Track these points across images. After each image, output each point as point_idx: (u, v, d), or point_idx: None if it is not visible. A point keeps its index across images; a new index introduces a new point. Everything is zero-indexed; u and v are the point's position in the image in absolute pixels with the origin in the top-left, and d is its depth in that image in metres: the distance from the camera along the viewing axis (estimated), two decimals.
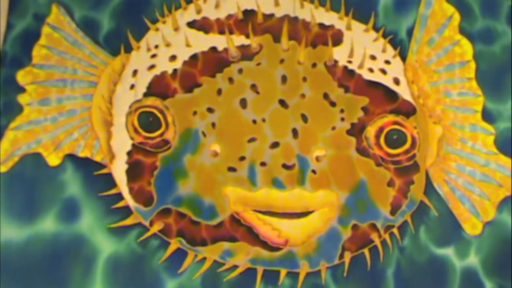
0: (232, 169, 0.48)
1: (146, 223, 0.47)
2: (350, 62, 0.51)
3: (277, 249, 0.47)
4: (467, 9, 0.55)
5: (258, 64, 0.50)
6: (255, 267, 0.47)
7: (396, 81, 0.51)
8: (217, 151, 0.48)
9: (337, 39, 0.52)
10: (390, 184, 0.49)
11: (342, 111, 0.50)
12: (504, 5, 0.55)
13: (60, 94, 0.50)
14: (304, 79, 0.50)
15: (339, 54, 0.51)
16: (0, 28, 0.52)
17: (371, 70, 0.51)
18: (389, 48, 0.53)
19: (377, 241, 0.48)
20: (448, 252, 0.49)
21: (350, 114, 0.50)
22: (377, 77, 0.51)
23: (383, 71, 0.51)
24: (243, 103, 0.49)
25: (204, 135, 0.49)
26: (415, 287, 0.48)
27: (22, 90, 0.50)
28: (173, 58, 0.50)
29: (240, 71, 0.50)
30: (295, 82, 0.50)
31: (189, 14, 0.52)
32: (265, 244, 0.47)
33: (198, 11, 0.52)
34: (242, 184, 0.47)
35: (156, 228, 0.47)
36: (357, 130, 0.49)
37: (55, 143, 0.49)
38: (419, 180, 0.50)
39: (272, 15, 0.52)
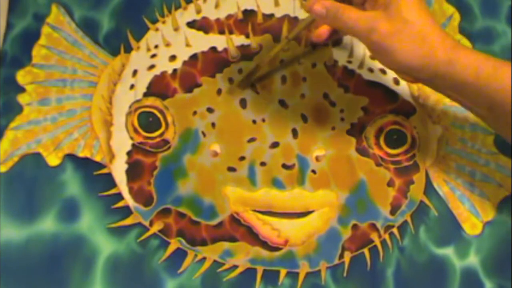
0: (232, 169, 0.48)
1: (146, 223, 0.47)
2: (350, 62, 0.51)
3: (277, 249, 0.47)
4: (467, 9, 0.55)
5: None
6: (255, 267, 0.47)
7: (396, 81, 0.51)
8: (217, 151, 0.48)
9: (337, 39, 0.52)
10: (390, 184, 0.49)
11: (342, 111, 0.50)
12: (504, 5, 0.55)
13: (59, 94, 0.50)
14: (304, 79, 0.50)
15: (339, 54, 0.52)
16: (0, 28, 0.52)
17: (371, 70, 0.51)
18: None
19: (377, 241, 0.48)
20: (448, 252, 0.49)
21: (350, 114, 0.50)
22: (377, 77, 0.51)
23: (383, 71, 0.51)
24: (243, 103, 0.49)
25: (204, 135, 0.49)
26: (415, 287, 0.48)
27: (21, 90, 0.50)
28: (173, 58, 0.51)
29: (240, 71, 0.50)
30: (295, 82, 0.50)
31: (189, 14, 0.53)
32: (265, 244, 0.47)
33: (198, 11, 0.52)
34: (242, 184, 0.48)
35: (156, 228, 0.47)
36: (357, 130, 0.49)
37: (55, 143, 0.49)
38: (419, 180, 0.50)
39: (272, 15, 0.52)
